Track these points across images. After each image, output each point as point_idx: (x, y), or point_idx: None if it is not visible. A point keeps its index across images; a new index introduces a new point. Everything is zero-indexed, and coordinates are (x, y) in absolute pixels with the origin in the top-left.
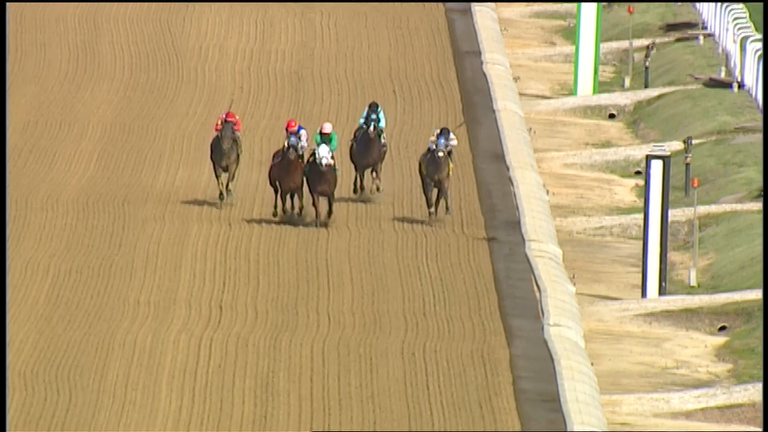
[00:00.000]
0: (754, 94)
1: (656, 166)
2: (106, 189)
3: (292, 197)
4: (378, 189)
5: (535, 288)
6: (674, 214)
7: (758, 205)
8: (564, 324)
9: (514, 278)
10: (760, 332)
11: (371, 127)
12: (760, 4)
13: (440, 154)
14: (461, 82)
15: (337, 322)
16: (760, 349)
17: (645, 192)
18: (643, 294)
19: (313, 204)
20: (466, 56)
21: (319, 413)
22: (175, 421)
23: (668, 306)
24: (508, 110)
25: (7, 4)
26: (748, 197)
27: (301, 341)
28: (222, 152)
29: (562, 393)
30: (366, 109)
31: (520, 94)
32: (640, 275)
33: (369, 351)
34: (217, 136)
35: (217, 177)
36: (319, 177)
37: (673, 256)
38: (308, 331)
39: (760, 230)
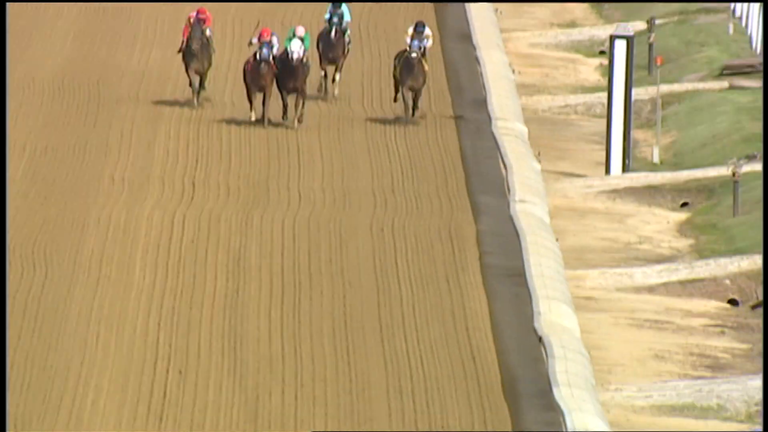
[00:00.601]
0: None
1: (620, 46)
2: (81, 69)
3: (264, 98)
4: (337, 85)
5: (502, 165)
6: (638, 92)
7: (720, 84)
8: (529, 200)
9: (480, 156)
10: (721, 208)
11: (333, 28)
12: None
13: (414, 55)
14: None
15: (307, 198)
16: (721, 224)
17: (609, 71)
18: (607, 171)
19: (283, 101)
20: None
21: (289, 287)
22: (149, 295)
23: (631, 183)
24: None
25: (7, 3)
26: (709, 76)
27: (272, 217)
28: (193, 53)
29: (528, 268)
30: (330, 5)
31: None
32: (604, 152)
33: (338, 227)
34: (188, 38)
35: (191, 83)
36: (289, 72)
37: (636, 133)
38: (279, 208)
39: (721, 108)
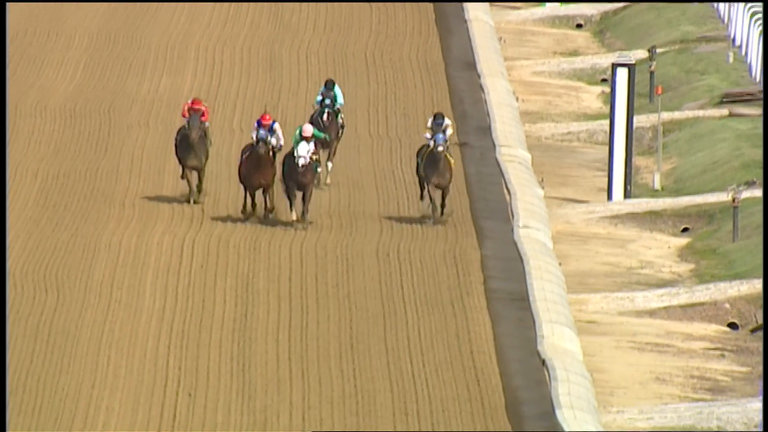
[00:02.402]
0: (715, 5)
1: (622, 74)
2: (92, 96)
3: (264, 194)
4: (327, 171)
5: (506, 191)
6: (639, 120)
7: (720, 112)
8: (533, 226)
9: (485, 182)
10: (721, 233)
11: (326, 111)
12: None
13: (440, 149)
14: None
15: (314, 224)
16: (721, 249)
17: (611, 99)
18: (609, 197)
19: (288, 200)
20: None
21: (297, 311)
22: (159, 319)
23: (633, 208)
24: (480, 20)
25: (7, 3)
26: (709, 104)
27: (280, 243)
28: (190, 147)
29: (531, 292)
30: (322, 87)
31: (491, 5)
32: (606, 179)
33: (345, 252)
34: (184, 127)
35: (183, 177)
36: (296, 176)
37: (637, 160)
38: (287, 233)
39: (721, 135)
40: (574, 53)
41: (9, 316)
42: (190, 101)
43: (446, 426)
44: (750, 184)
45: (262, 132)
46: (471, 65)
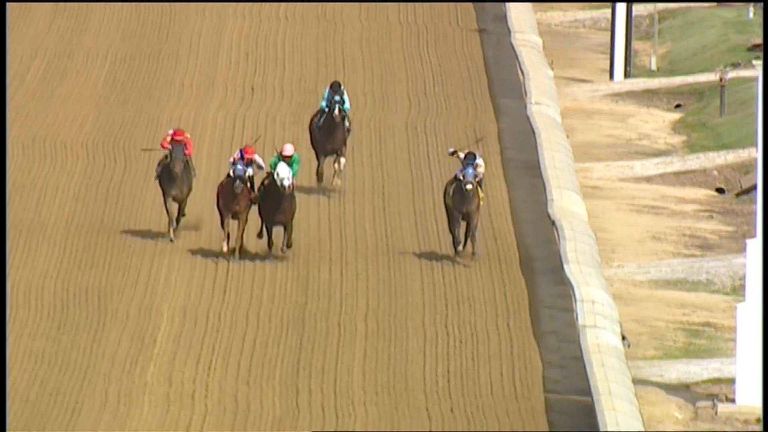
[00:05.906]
0: None
1: None
2: None
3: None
4: (339, 175)
5: (519, 72)
6: (637, 8)
7: (709, 2)
8: (544, 102)
9: (501, 64)
10: (709, 109)
11: (336, 111)
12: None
13: (468, 186)
14: None
15: (351, 100)
16: (710, 123)
17: None
18: (611, 77)
19: (267, 233)
20: None
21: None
22: (214, 185)
23: (632, 87)
24: None
25: (7, 4)
26: None
27: None
28: (173, 178)
29: (542, 161)
30: (327, 89)
31: None
32: (608, 61)
33: (378, 126)
34: (166, 157)
35: (167, 209)
36: (275, 203)
37: (636, 44)
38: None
39: (710, 23)
40: None
41: (82, 183)
42: (171, 131)
43: (467, 279)
44: (735, 66)
45: (239, 167)
46: None
